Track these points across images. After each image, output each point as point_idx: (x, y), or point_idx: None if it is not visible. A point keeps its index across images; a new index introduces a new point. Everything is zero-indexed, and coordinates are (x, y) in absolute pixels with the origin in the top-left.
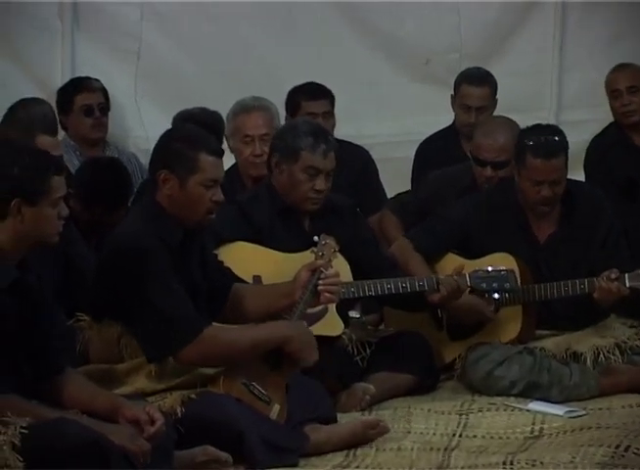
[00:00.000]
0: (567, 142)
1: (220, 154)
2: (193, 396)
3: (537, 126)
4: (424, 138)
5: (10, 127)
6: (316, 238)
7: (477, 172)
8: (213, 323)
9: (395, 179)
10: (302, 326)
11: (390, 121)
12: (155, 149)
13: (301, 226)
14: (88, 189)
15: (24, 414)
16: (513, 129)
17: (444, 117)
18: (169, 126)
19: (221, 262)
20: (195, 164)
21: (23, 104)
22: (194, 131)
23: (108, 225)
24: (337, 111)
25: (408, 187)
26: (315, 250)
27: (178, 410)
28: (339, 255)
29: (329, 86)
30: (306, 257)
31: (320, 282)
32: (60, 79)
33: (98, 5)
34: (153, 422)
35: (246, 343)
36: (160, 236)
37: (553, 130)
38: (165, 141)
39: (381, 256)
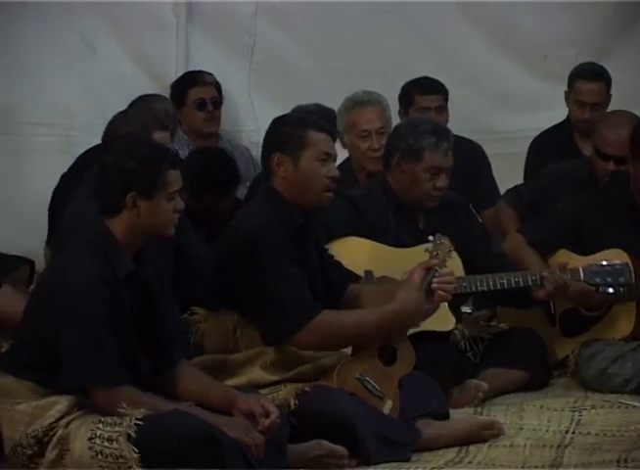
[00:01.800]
0: None
1: (329, 131)
2: (307, 388)
3: None
4: (538, 133)
5: (129, 123)
6: (431, 237)
7: (599, 167)
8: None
9: (510, 174)
10: (409, 298)
11: (506, 117)
12: (264, 137)
13: (415, 223)
14: (196, 178)
15: (140, 406)
16: (635, 124)
17: (559, 113)
18: None
19: (332, 257)
20: (303, 140)
21: (144, 100)
22: (299, 114)
23: (216, 215)
24: (453, 105)
25: (521, 182)
26: (430, 249)
27: (292, 403)
28: (455, 254)
29: (445, 80)
30: (418, 252)
31: (434, 281)
32: (174, 74)
33: (212, 1)
34: (267, 415)
35: (359, 324)
36: (279, 222)
37: None
38: (273, 127)
39: (492, 253)
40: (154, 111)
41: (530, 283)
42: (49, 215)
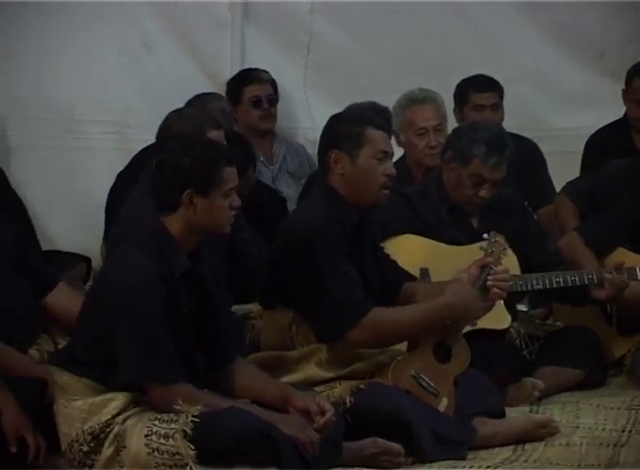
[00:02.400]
0: None
1: (387, 129)
2: (362, 386)
3: None
4: (594, 131)
5: (183, 121)
6: (486, 235)
7: None
8: None
9: (566, 173)
10: (466, 294)
11: (562, 115)
12: (322, 134)
13: (469, 222)
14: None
15: (196, 403)
16: None
17: (616, 111)
18: None
19: (388, 256)
20: (362, 137)
21: (200, 99)
22: (357, 111)
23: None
24: (510, 103)
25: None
26: (485, 247)
27: (347, 401)
28: (510, 252)
29: (500, 78)
30: (473, 250)
31: (489, 278)
32: (230, 72)
33: None
34: (322, 413)
35: (411, 319)
36: (335, 220)
37: None
38: (330, 124)
39: (548, 251)
40: (209, 110)
41: (587, 281)
42: (105, 213)
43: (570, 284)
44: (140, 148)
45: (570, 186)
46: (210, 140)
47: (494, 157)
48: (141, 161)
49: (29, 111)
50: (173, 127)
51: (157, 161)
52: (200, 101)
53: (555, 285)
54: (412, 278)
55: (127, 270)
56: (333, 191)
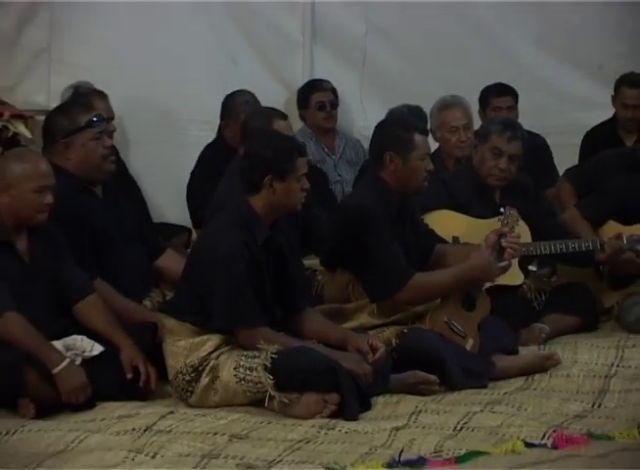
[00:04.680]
0: None
1: (426, 132)
2: (405, 330)
3: None
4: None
5: (255, 117)
6: (502, 209)
7: None
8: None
9: (565, 160)
10: (486, 260)
11: (566, 115)
12: (376, 136)
13: (493, 200)
14: None
15: (274, 343)
16: None
17: (609, 112)
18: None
19: (427, 225)
20: (412, 143)
21: (231, 95)
22: (404, 117)
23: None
24: (524, 106)
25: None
26: (501, 218)
27: (393, 341)
28: (521, 222)
29: (518, 87)
30: (493, 222)
31: (504, 242)
32: (301, 82)
33: (332, 23)
34: (374, 351)
35: (444, 281)
36: (383, 204)
37: None
38: (385, 128)
39: (557, 224)
40: (236, 102)
41: (584, 248)
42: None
43: (570, 250)
44: None
45: (569, 172)
46: (287, 135)
47: (508, 131)
48: (209, 153)
49: (142, 113)
50: (247, 122)
51: (244, 151)
52: (231, 97)
53: (559, 251)
54: (444, 242)
55: (219, 238)
56: (383, 182)
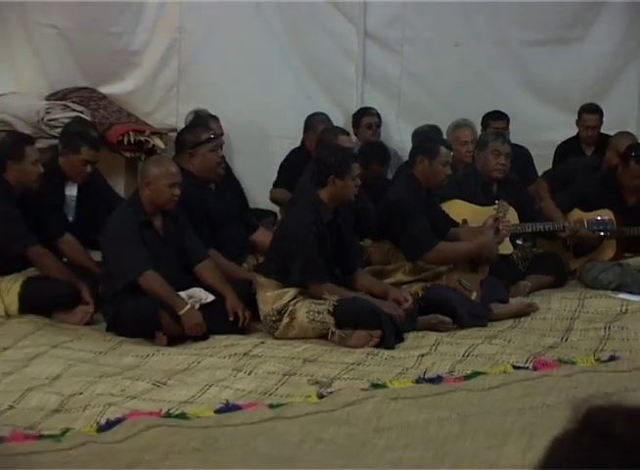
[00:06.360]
0: None
1: (449, 146)
2: (428, 285)
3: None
4: (560, 142)
5: (325, 133)
6: (497, 201)
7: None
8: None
9: (542, 165)
10: (489, 239)
11: (543, 134)
12: (414, 145)
13: (491, 191)
14: (369, 154)
15: (335, 294)
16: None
17: (573, 132)
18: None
19: (444, 210)
20: (437, 151)
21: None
22: (434, 134)
23: (378, 178)
24: (514, 127)
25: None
26: (496, 207)
27: (419, 293)
28: (510, 209)
29: (509, 113)
30: (491, 209)
31: (500, 225)
32: (354, 109)
33: (377, 68)
34: (406, 300)
35: (462, 250)
36: (414, 193)
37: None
38: (420, 140)
39: (536, 210)
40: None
41: (556, 228)
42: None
43: (545, 229)
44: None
45: (546, 174)
46: (346, 146)
47: (500, 138)
48: (291, 157)
49: (242, 131)
50: (321, 136)
51: (315, 157)
52: (312, 116)
53: (537, 230)
54: (456, 224)
55: (297, 220)
56: (414, 179)
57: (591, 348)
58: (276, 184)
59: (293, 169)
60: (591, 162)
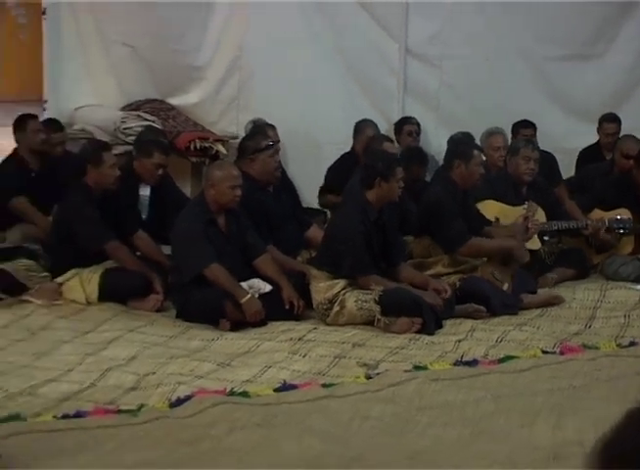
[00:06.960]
0: None
1: (481, 150)
2: (464, 277)
3: None
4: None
5: (372, 140)
6: (526, 202)
7: (622, 163)
8: None
9: (565, 170)
10: (520, 242)
11: (567, 141)
12: (450, 149)
13: (521, 193)
14: (409, 158)
15: (380, 285)
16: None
17: (594, 139)
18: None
19: (478, 209)
20: (472, 155)
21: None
22: (467, 139)
23: (417, 180)
24: (540, 134)
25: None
26: (526, 207)
27: (457, 284)
28: (539, 209)
29: (537, 122)
30: (521, 209)
31: (529, 224)
32: (397, 118)
33: (417, 81)
34: (445, 291)
35: (495, 247)
36: (451, 194)
37: None
38: (455, 146)
39: (562, 210)
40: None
41: (579, 227)
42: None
43: (570, 227)
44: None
45: (568, 180)
46: (390, 152)
47: (530, 144)
48: (340, 161)
49: (296, 138)
50: (370, 144)
51: (364, 162)
52: (361, 123)
53: (563, 228)
54: (490, 223)
55: (346, 218)
56: (451, 181)
57: (612, 334)
58: (324, 188)
59: (341, 173)
60: (604, 166)
